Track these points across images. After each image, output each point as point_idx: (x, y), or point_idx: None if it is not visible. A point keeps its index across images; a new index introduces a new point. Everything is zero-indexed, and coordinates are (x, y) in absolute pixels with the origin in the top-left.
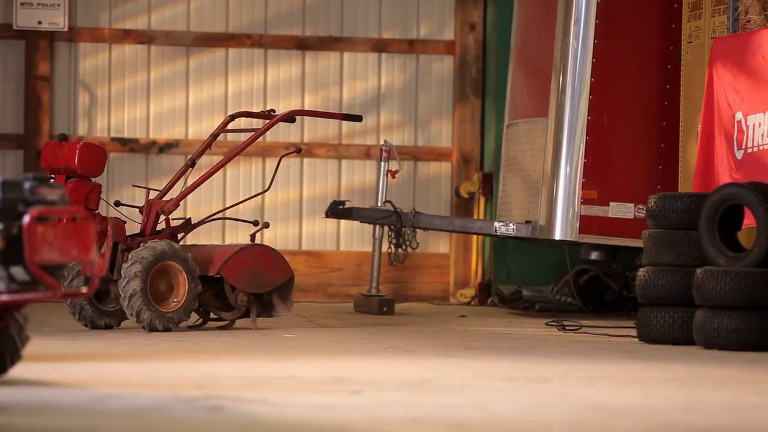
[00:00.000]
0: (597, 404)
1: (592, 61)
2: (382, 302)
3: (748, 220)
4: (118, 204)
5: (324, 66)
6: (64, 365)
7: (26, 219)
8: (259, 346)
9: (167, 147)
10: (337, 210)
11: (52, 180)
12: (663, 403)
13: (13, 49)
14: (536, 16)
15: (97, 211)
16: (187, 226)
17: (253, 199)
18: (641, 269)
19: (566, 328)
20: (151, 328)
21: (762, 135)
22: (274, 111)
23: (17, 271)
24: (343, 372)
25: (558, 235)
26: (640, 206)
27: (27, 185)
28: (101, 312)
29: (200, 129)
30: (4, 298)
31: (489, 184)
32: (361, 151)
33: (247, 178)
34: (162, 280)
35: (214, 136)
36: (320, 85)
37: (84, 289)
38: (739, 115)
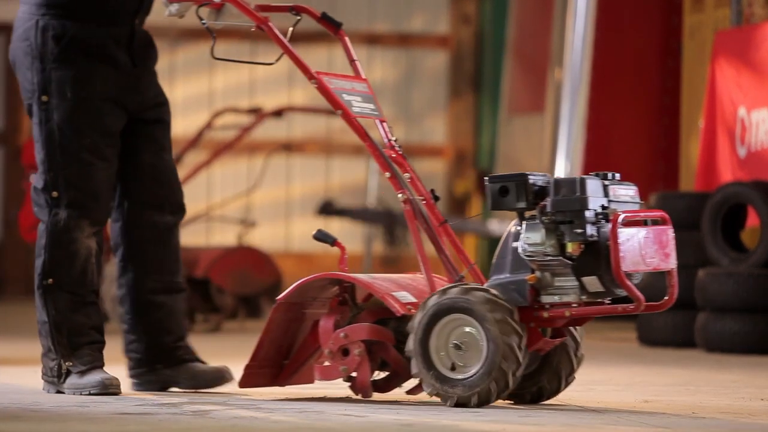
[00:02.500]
0: (596, 409)
1: (591, 56)
2: None
3: (752, 220)
4: None
5: (313, 60)
6: None
7: (612, 224)
8: (247, 349)
9: None
10: (328, 209)
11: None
12: (664, 408)
13: None
14: (533, 8)
15: None
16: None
17: (239, 198)
18: None
19: None
20: None
21: (766, 132)
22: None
23: (590, 281)
24: None
25: None
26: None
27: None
28: None
29: (186, 126)
30: (576, 310)
31: (484, 182)
32: (351, 148)
33: (234, 176)
34: None
35: (200, 132)
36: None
37: (665, 299)
38: (742, 112)
